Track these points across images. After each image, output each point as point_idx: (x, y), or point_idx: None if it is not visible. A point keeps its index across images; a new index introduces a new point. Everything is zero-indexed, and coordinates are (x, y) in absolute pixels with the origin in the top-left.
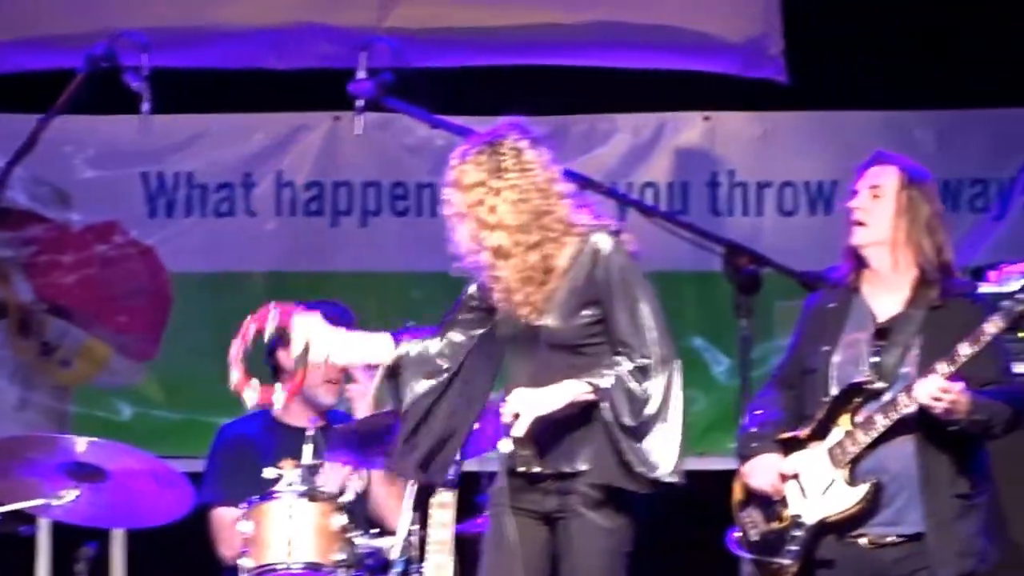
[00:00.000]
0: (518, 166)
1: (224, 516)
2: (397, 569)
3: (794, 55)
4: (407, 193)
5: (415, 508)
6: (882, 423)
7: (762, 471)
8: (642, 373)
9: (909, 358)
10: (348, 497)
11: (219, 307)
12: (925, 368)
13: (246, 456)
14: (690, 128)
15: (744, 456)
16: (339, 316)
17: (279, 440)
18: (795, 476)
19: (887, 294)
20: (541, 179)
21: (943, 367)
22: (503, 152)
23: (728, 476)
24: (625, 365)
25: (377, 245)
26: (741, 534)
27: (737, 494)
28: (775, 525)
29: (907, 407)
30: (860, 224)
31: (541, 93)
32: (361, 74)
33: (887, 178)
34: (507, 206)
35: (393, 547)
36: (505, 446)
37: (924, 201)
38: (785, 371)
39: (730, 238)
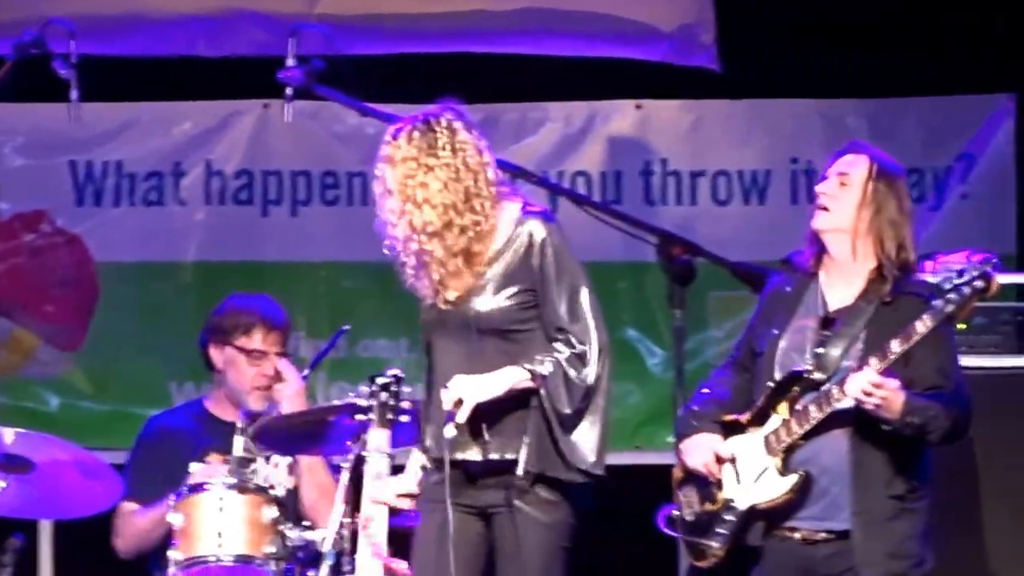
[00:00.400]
0: (451, 145)
1: (124, 509)
2: (328, 562)
3: (726, 43)
4: (337, 182)
5: (346, 501)
6: (815, 415)
7: (698, 450)
8: (580, 360)
9: (853, 351)
10: (279, 492)
11: (147, 297)
12: (862, 363)
13: (170, 449)
14: (622, 117)
15: (683, 434)
16: (273, 313)
17: (208, 432)
18: (732, 460)
19: (843, 284)
20: (474, 162)
21: (875, 362)
22: (437, 131)
23: (664, 471)
24: (564, 352)
25: (307, 235)
26: (677, 513)
27: (677, 472)
28: (708, 507)
29: (839, 401)
30: (823, 209)
31: (471, 81)
32: (291, 61)
33: (857, 167)
34: (438, 184)
35: (324, 540)
36: (449, 432)
37: (892, 195)
38: (740, 353)
39: (664, 227)
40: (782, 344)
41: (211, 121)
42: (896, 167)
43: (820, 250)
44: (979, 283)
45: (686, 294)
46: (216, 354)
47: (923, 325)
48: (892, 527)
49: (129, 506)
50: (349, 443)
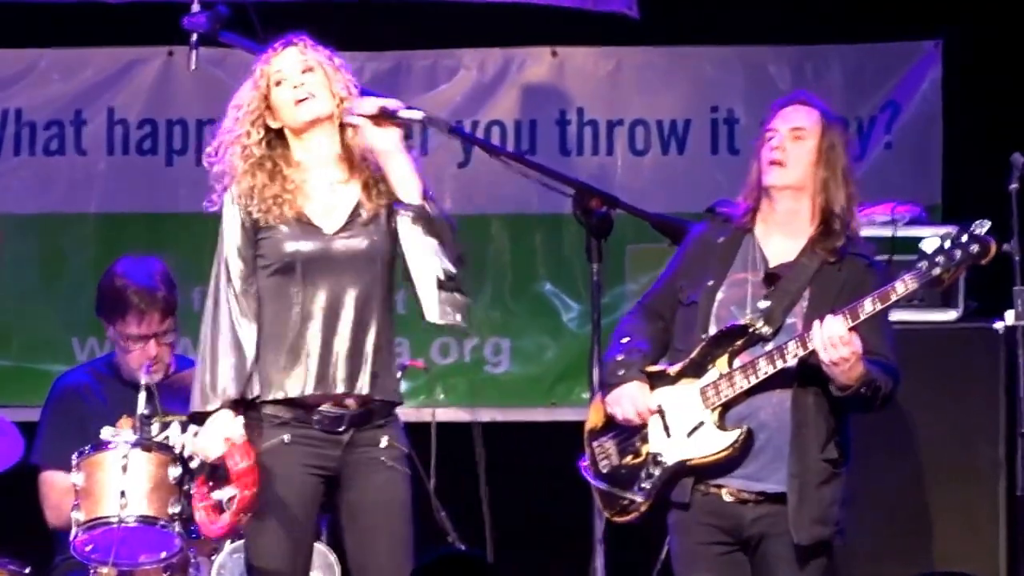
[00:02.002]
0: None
1: (53, 480)
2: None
3: None
4: None
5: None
6: (765, 369)
7: (629, 400)
8: None
9: (797, 309)
10: (195, 464)
11: (48, 251)
12: (810, 321)
13: (82, 409)
14: (538, 64)
15: (610, 384)
16: (148, 294)
17: (117, 391)
18: (660, 412)
19: (783, 239)
20: None
21: (844, 319)
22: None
23: (580, 427)
24: None
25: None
26: (589, 463)
27: (593, 421)
28: (629, 460)
29: (796, 356)
30: (778, 164)
31: (383, 27)
32: (195, 7)
33: (811, 122)
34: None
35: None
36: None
37: (842, 151)
38: (655, 301)
39: (580, 178)
40: (719, 296)
41: (113, 68)
42: (842, 120)
43: (756, 204)
44: (975, 247)
45: (604, 247)
46: (105, 326)
47: (904, 286)
48: (822, 492)
49: (60, 477)
50: None
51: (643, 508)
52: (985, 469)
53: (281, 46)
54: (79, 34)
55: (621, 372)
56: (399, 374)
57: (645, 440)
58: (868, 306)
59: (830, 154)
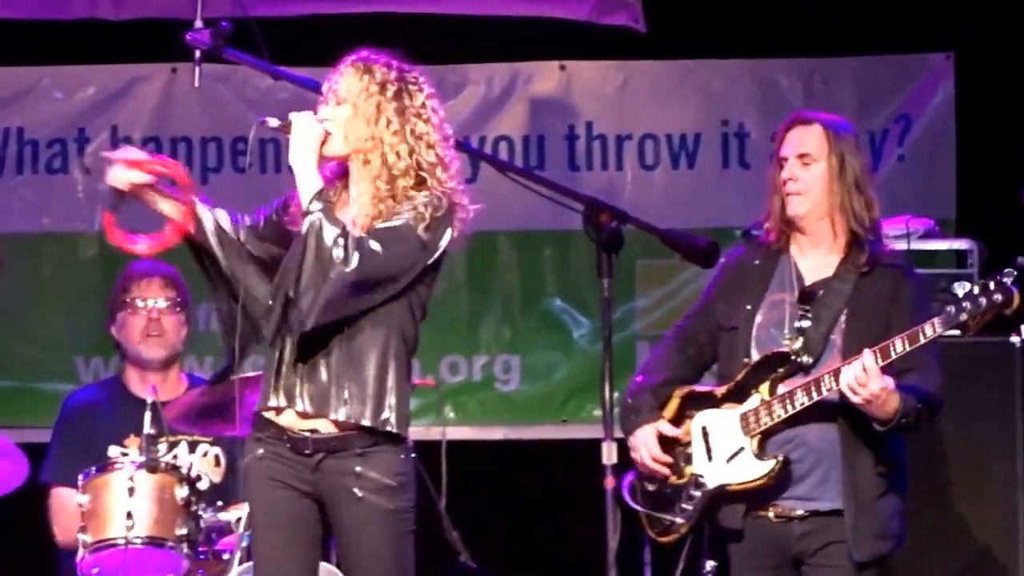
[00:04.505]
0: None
1: (63, 498)
2: (243, 544)
3: (653, 1)
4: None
5: None
6: (802, 400)
7: (642, 445)
8: None
9: (836, 328)
10: (203, 484)
11: (51, 270)
12: (850, 339)
13: (91, 428)
14: (545, 78)
15: (626, 431)
16: (145, 266)
17: (124, 410)
18: (704, 434)
19: (817, 256)
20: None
21: (871, 358)
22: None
23: (592, 445)
24: None
25: (218, 203)
26: (637, 483)
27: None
28: (674, 480)
29: (830, 390)
30: (797, 194)
31: (388, 43)
32: (198, 23)
33: (815, 141)
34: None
35: (240, 520)
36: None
37: (852, 157)
38: (691, 327)
39: (589, 194)
40: (758, 319)
41: (116, 86)
42: (847, 125)
43: (785, 228)
44: (998, 296)
45: (614, 263)
46: (114, 331)
47: (932, 329)
48: (879, 506)
49: (69, 494)
50: None
51: (683, 530)
52: (1002, 485)
53: (342, 64)
54: (81, 51)
55: (633, 417)
56: (394, 402)
57: (689, 461)
58: (899, 347)
59: (841, 169)
